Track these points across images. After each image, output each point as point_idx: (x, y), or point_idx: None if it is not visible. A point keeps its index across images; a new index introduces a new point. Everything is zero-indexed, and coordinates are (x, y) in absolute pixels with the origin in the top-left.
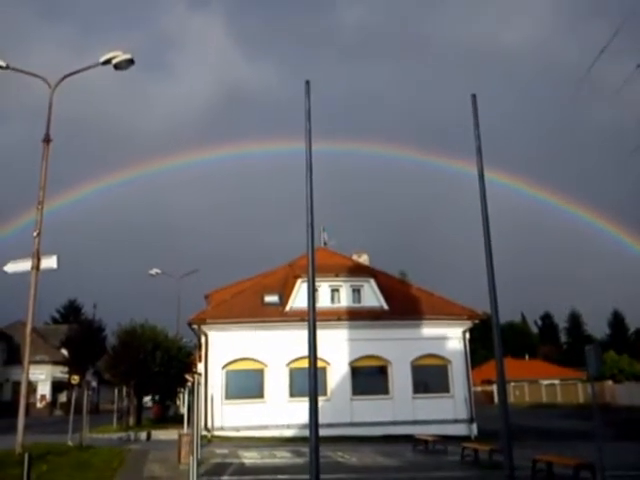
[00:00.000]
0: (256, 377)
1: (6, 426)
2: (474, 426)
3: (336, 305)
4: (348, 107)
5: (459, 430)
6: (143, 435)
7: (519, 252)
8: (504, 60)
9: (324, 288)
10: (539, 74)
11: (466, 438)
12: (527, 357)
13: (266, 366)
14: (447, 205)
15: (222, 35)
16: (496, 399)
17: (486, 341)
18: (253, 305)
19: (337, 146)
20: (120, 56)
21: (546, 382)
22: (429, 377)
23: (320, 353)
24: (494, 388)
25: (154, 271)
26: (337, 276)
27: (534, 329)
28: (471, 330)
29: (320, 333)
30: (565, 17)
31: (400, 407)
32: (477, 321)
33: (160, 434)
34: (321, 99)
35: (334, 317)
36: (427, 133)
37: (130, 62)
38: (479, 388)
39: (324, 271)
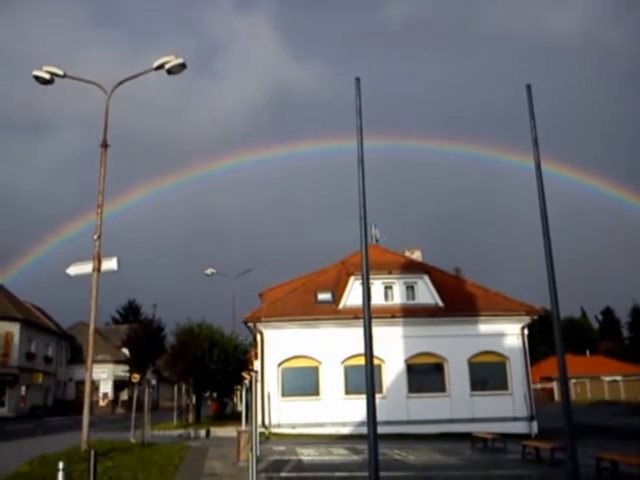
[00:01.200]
0: (311, 374)
1: (71, 424)
2: (534, 424)
3: (390, 302)
4: (397, 102)
5: (519, 428)
6: (202, 432)
7: (579, 246)
8: (557, 48)
9: (377, 285)
10: (591, 61)
11: (526, 436)
12: (588, 353)
13: (321, 363)
14: (502, 199)
15: (269, 36)
16: (556, 396)
17: (545, 337)
18: (307, 303)
19: (388, 142)
20: (173, 61)
21: (608, 378)
22: (487, 374)
23: (375, 351)
24: (554, 385)
25: (209, 271)
26: (390, 273)
27: (595, 324)
28: (529, 326)
29: (374, 331)
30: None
31: (457, 405)
32: (536, 317)
33: (219, 431)
34: (370, 95)
35: (388, 314)
36: (480, 126)
37: (182, 66)
38: (538, 385)
39: (377, 268)
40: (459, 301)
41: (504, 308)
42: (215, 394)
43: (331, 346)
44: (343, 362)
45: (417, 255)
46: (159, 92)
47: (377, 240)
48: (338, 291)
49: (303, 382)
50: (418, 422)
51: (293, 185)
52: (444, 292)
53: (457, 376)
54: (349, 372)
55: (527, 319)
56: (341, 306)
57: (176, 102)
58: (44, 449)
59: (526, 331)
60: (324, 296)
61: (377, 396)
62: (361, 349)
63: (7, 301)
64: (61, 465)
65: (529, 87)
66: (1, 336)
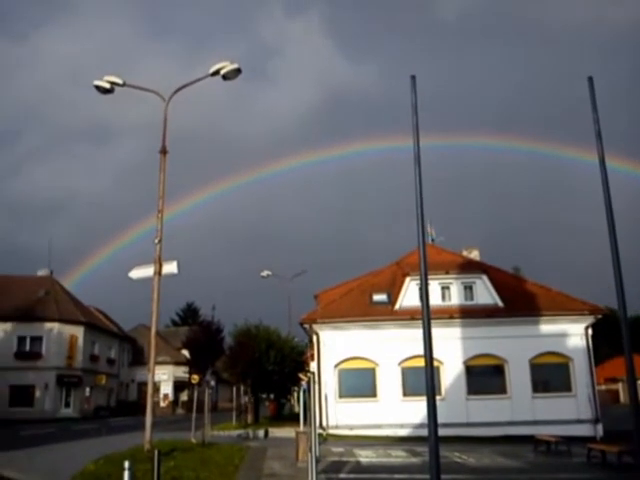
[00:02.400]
0: (368, 376)
1: (133, 424)
2: (599, 426)
3: (447, 303)
4: (454, 99)
5: (583, 431)
6: (261, 433)
7: None
8: (618, 40)
9: (434, 286)
10: None
11: (591, 439)
12: None
13: (377, 365)
14: (564, 196)
15: (320, 38)
16: (622, 398)
17: (609, 337)
18: (362, 304)
19: (443, 140)
20: (228, 66)
21: None
22: (549, 376)
23: (433, 352)
24: (619, 387)
25: (265, 273)
26: (447, 273)
27: None
28: (593, 326)
29: (432, 332)
30: None
31: (518, 407)
32: (600, 316)
33: (277, 432)
34: (426, 93)
35: (446, 315)
36: (541, 121)
37: (237, 72)
38: (603, 387)
39: (434, 268)
40: (519, 301)
41: (567, 308)
42: (272, 395)
43: (388, 347)
44: (400, 363)
45: (474, 255)
46: (215, 98)
47: (433, 240)
48: (393, 292)
49: (360, 384)
50: (478, 424)
51: (348, 187)
52: (503, 292)
53: (518, 378)
54: (406, 374)
55: (591, 319)
56: (397, 307)
57: (231, 107)
58: (109, 449)
59: (590, 331)
60: (379, 297)
61: (436, 398)
62: (418, 350)
63: (72, 305)
64: (127, 464)
65: (591, 79)
66: (66, 339)
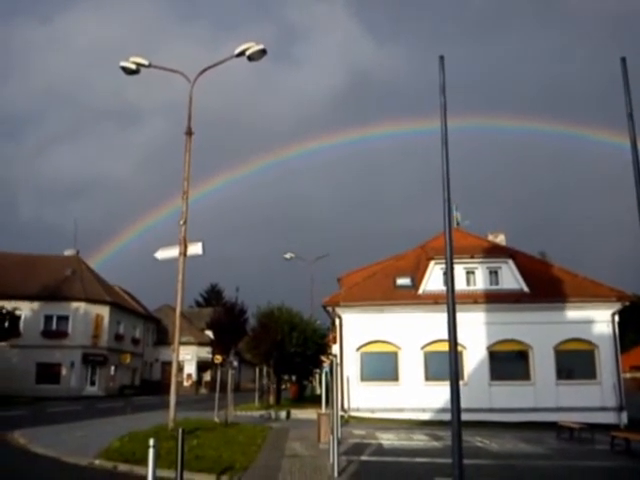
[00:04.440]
0: (390, 360)
1: (157, 403)
2: (624, 414)
3: (472, 288)
4: (482, 82)
5: (607, 418)
6: (283, 414)
7: None
8: None
9: (459, 270)
10: None
11: (615, 427)
12: None
13: (400, 349)
14: (593, 181)
15: (347, 19)
16: None
17: (635, 324)
18: (386, 288)
19: (470, 123)
20: (253, 47)
21: None
22: (574, 362)
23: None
24: None
25: (288, 255)
26: (472, 257)
27: None
28: (620, 313)
29: (456, 316)
30: None
31: (542, 393)
32: (627, 303)
33: (298, 413)
34: (453, 76)
35: (470, 300)
36: (571, 104)
37: (263, 52)
38: (628, 375)
39: (459, 252)
40: (545, 286)
41: (593, 294)
42: (294, 377)
43: (410, 332)
44: (423, 348)
45: (500, 239)
46: (241, 79)
47: (459, 223)
48: (417, 276)
49: (382, 367)
50: (501, 410)
51: (373, 169)
52: (529, 277)
53: (542, 364)
54: (429, 358)
55: (618, 305)
56: (421, 291)
57: (258, 89)
58: (133, 426)
59: (617, 318)
60: (403, 281)
61: (459, 383)
62: (441, 335)
63: (98, 285)
64: (152, 442)
65: (624, 60)
66: (92, 318)
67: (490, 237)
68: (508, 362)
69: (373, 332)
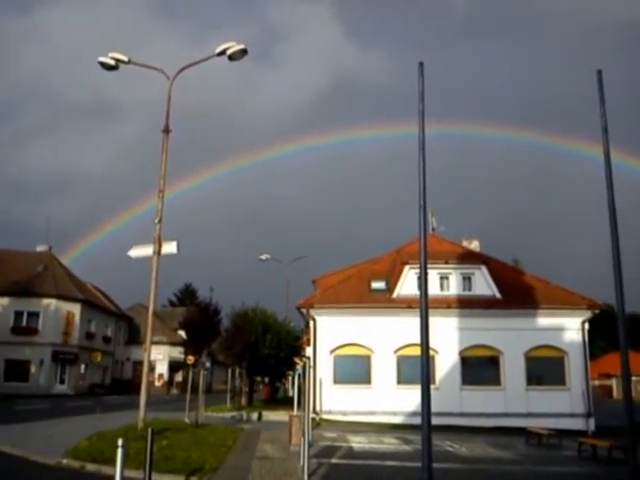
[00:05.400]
0: (363, 363)
1: (127, 402)
2: (592, 421)
3: (445, 293)
4: (460, 88)
5: (575, 425)
6: (254, 415)
7: None
8: (627, 35)
9: (433, 275)
10: None
11: (583, 433)
12: None
13: (373, 352)
14: (567, 189)
15: (329, 22)
16: (615, 394)
17: (604, 333)
18: (360, 291)
19: (447, 130)
20: (234, 47)
21: None
22: (544, 369)
23: (429, 341)
24: (613, 382)
25: (264, 256)
26: (447, 263)
27: None
28: (590, 321)
29: (429, 321)
30: None
31: (512, 399)
32: (597, 311)
33: (270, 415)
34: (432, 80)
35: (443, 305)
36: (547, 114)
37: (243, 52)
38: (597, 382)
39: (433, 258)
40: (518, 293)
41: (564, 301)
42: (267, 379)
43: (384, 335)
44: (396, 352)
45: (475, 245)
46: (222, 79)
47: (434, 229)
48: (392, 280)
49: (355, 370)
50: (471, 415)
51: (355, 172)
52: (502, 284)
53: (513, 370)
54: (401, 362)
55: (588, 313)
56: (395, 295)
57: (239, 89)
58: (102, 426)
59: (587, 326)
60: (378, 285)
61: (430, 387)
62: (414, 339)
63: (69, 282)
64: (120, 442)
65: (600, 72)
66: (63, 316)
67: (465, 243)
68: (479, 367)
69: (347, 335)
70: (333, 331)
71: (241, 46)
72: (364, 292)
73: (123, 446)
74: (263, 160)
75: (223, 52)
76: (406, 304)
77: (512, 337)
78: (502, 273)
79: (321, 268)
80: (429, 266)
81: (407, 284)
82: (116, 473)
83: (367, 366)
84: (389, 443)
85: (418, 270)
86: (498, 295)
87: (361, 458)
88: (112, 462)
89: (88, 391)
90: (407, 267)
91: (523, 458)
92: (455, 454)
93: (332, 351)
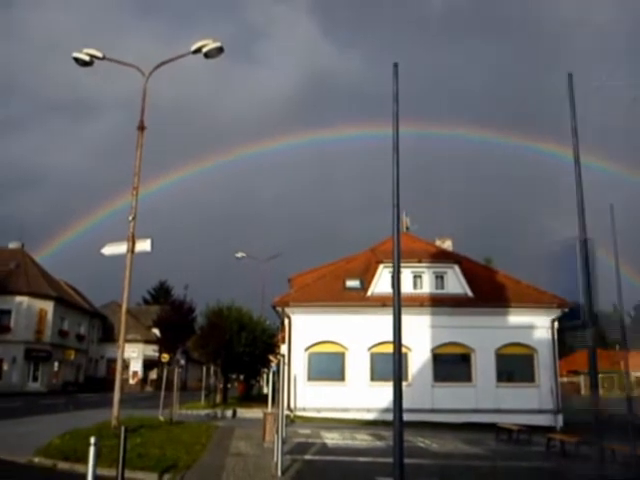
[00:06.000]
0: (337, 360)
1: (101, 400)
2: (560, 417)
3: (418, 291)
4: (434, 89)
5: (544, 421)
6: (229, 413)
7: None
8: (598, 38)
9: (406, 274)
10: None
11: (551, 429)
12: (618, 348)
13: (347, 349)
14: (540, 190)
15: (306, 22)
16: (583, 390)
17: (574, 331)
18: (335, 289)
19: (423, 130)
20: (210, 44)
21: (638, 374)
22: (514, 366)
23: (402, 339)
24: (581, 379)
25: (240, 254)
26: (420, 262)
27: (627, 320)
28: (560, 319)
29: (402, 319)
30: None
31: (483, 395)
32: (567, 310)
33: (245, 412)
34: (407, 82)
35: (416, 303)
36: (517, 115)
37: (220, 50)
38: (565, 379)
39: (407, 257)
40: (489, 292)
41: (535, 300)
42: (242, 376)
43: (358, 333)
44: (370, 349)
45: (448, 244)
46: (199, 76)
47: (408, 228)
48: (367, 278)
49: (329, 367)
50: (443, 411)
51: (327, 171)
52: (474, 282)
53: (484, 367)
54: (375, 359)
55: (558, 312)
56: (369, 293)
57: (216, 87)
58: (75, 424)
59: (556, 324)
60: (353, 283)
61: (403, 384)
62: (388, 337)
63: (42, 279)
64: (93, 440)
65: (570, 76)
66: (35, 313)
67: (438, 242)
68: (451, 364)
69: (321, 333)
70: (308, 329)
71: (217, 44)
72: (339, 290)
73: (96, 444)
74: (239, 158)
75: (199, 50)
76: (380, 302)
77: (483, 335)
78: (474, 272)
79: (298, 267)
80: (403, 265)
81: (381, 282)
82: (88, 471)
83: (341, 363)
84: (362, 439)
85: (392, 268)
86: (470, 294)
87: (334, 454)
88: (85, 460)
89: (61, 389)
90: (381, 266)
91: (493, 453)
92: (426, 450)
93: (307, 348)
